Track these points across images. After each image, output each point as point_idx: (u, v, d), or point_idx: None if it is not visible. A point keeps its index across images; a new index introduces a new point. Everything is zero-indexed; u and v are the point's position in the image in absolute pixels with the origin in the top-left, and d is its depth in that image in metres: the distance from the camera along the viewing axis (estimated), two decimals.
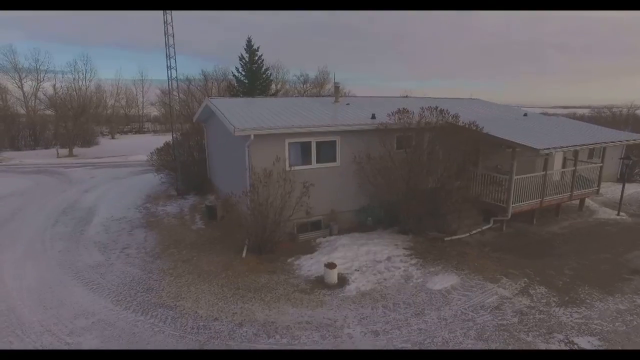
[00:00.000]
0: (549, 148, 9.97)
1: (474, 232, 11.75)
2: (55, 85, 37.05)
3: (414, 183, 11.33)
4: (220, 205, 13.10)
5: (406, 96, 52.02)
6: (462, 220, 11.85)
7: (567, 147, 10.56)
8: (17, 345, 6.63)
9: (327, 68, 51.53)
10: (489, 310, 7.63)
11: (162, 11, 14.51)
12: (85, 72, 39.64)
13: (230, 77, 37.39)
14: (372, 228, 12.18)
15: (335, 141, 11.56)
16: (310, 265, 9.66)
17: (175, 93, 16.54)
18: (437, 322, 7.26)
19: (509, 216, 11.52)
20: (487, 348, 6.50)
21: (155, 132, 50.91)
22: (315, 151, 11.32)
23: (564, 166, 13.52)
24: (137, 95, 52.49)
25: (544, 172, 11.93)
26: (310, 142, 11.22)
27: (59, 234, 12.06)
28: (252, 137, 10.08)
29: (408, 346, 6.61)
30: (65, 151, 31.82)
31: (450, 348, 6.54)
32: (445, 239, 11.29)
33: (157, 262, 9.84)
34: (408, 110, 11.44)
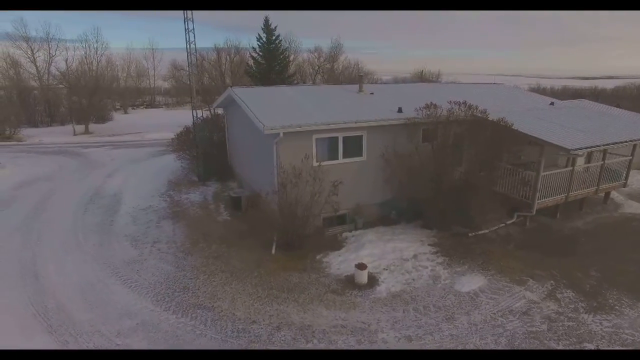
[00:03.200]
0: (580, 148, 9.79)
1: (498, 227, 11.80)
2: (67, 60, 36.68)
3: (439, 177, 11.30)
4: (245, 197, 13.26)
5: (422, 72, 50.33)
6: (485, 214, 11.89)
7: (598, 146, 10.36)
8: (72, 346, 7.06)
9: (340, 39, 50.20)
10: (517, 315, 7.82)
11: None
12: (97, 44, 39.00)
13: (244, 51, 36.77)
14: (396, 221, 12.30)
15: (361, 136, 11.46)
16: (339, 263, 9.89)
17: (191, 69, 16.34)
18: (468, 328, 7.50)
19: (534, 212, 11.50)
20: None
21: (167, 105, 50.76)
22: (342, 146, 11.28)
23: (589, 159, 13.26)
24: (148, 67, 51.81)
25: (571, 168, 11.75)
26: (337, 138, 11.16)
27: (90, 225, 12.41)
28: (282, 134, 10.04)
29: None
30: (81, 128, 32.06)
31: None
32: (470, 234, 11.39)
33: (189, 259, 10.16)
34: (436, 106, 11.22)
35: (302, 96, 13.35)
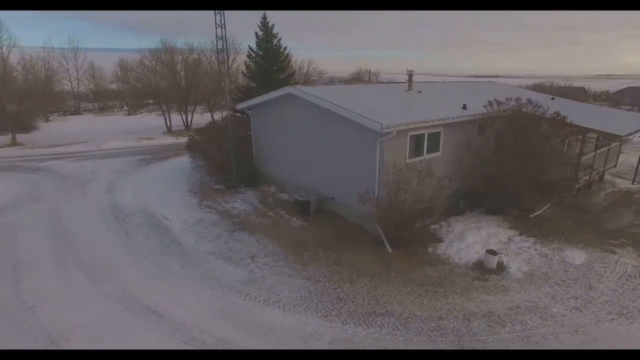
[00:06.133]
0: (629, 134, 11.79)
1: (545, 208, 13.40)
2: None
3: (502, 168, 12.42)
4: (313, 200, 12.71)
5: (369, 71, 52.16)
6: (536, 198, 13.42)
7: (630, 131, 12.60)
8: None
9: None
10: (638, 279, 9.15)
11: None
12: (1, 40, 32.15)
13: (198, 51, 34.23)
14: (462, 211, 13.10)
15: (439, 132, 11.96)
16: (455, 253, 10.28)
17: (225, 65, 14.95)
18: (612, 293, 8.56)
19: (575, 192, 13.39)
20: None
21: (93, 111, 44.51)
22: (426, 143, 11.64)
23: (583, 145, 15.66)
24: (69, 68, 44.47)
25: (594, 153, 13.97)
26: (424, 135, 11.48)
27: (151, 247, 10.66)
28: (395, 133, 10.01)
29: (614, 317, 7.77)
30: (4, 139, 26.44)
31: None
32: (530, 216, 12.74)
33: (310, 269, 9.49)
34: (500, 102, 12.33)
35: (367, 95, 13.33)
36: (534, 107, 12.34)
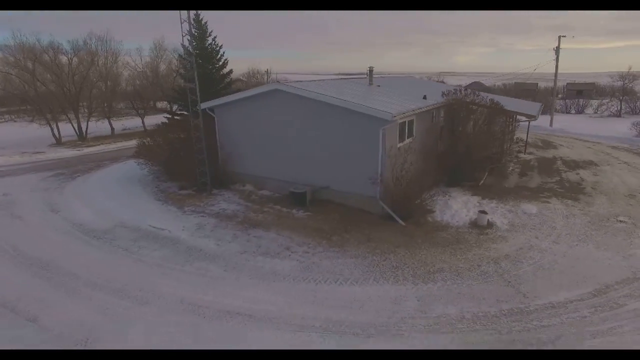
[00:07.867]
0: (537, 114, 15.61)
1: (485, 177, 16.62)
2: None
3: (454, 147, 15.06)
4: (309, 191, 13.12)
5: (267, 70, 52.05)
6: (476, 171, 16.55)
7: (538, 112, 16.64)
8: None
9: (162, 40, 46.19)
10: (577, 217, 12.44)
11: None
12: None
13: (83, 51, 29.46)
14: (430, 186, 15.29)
15: (413, 120, 13.79)
16: (450, 218, 12.19)
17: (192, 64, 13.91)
18: (566, 229, 11.51)
19: (503, 162, 16.97)
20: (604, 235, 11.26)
21: None
22: (407, 129, 13.32)
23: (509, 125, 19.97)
24: None
25: (512, 127, 17.90)
26: (405, 122, 13.12)
27: (170, 257, 9.75)
28: (399, 120, 11.30)
29: (578, 243, 10.63)
30: None
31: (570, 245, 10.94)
32: (479, 184, 15.71)
33: (350, 249, 10.11)
34: (452, 92, 14.89)
35: (342, 90, 14.27)
36: (475, 96, 15.29)
